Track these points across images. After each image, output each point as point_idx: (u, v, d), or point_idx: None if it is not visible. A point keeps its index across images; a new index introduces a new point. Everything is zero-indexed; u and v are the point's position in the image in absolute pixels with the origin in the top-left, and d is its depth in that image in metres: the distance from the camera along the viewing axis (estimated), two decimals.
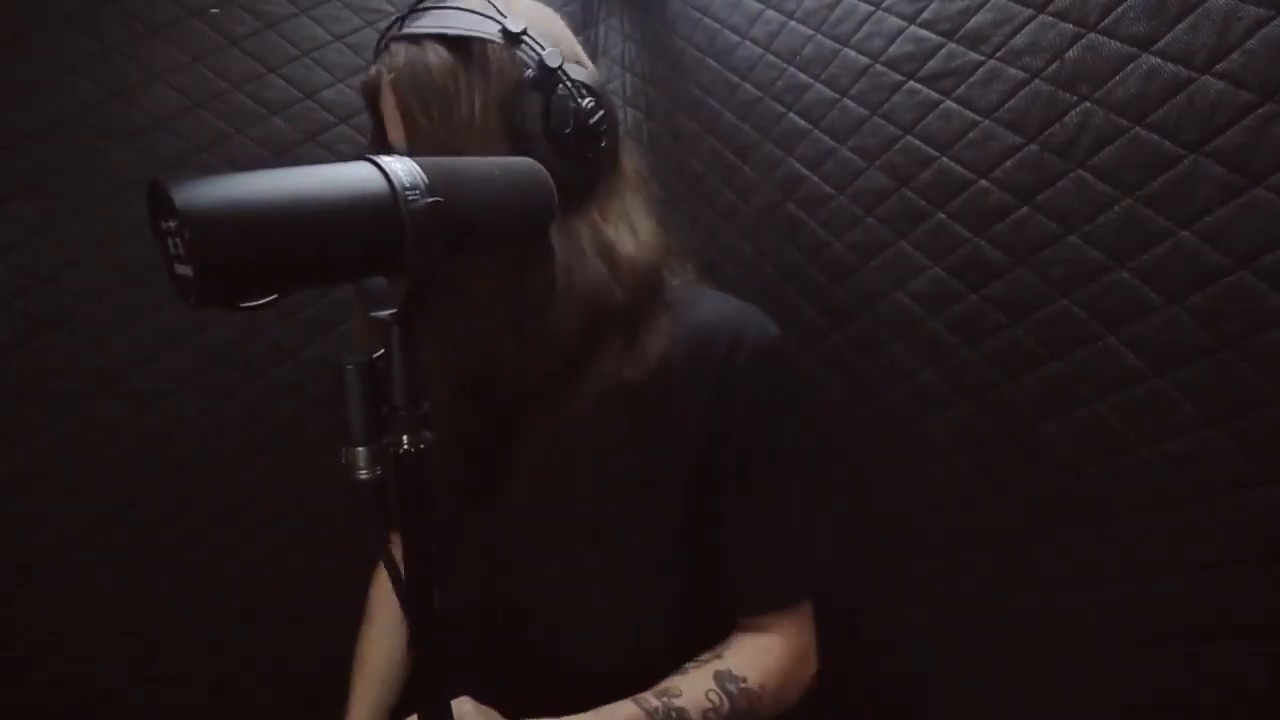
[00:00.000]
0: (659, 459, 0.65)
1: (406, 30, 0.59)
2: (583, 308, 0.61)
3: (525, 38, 0.58)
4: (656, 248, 0.66)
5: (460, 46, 0.57)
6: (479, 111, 0.57)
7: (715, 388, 0.64)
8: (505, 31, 0.58)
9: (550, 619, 0.69)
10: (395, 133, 0.60)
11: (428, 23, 0.59)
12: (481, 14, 0.59)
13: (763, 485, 0.66)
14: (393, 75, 0.58)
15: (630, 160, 0.69)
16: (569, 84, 0.59)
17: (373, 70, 0.61)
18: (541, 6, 0.66)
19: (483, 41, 0.58)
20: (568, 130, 0.58)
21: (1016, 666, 0.71)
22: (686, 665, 0.65)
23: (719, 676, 0.63)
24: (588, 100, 0.59)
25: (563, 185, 0.49)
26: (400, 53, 0.58)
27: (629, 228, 0.65)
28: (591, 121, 0.59)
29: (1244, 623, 0.55)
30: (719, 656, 0.66)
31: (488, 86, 0.57)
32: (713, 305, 0.68)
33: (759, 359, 0.65)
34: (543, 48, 0.58)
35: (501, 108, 0.57)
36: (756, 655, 0.66)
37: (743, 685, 0.63)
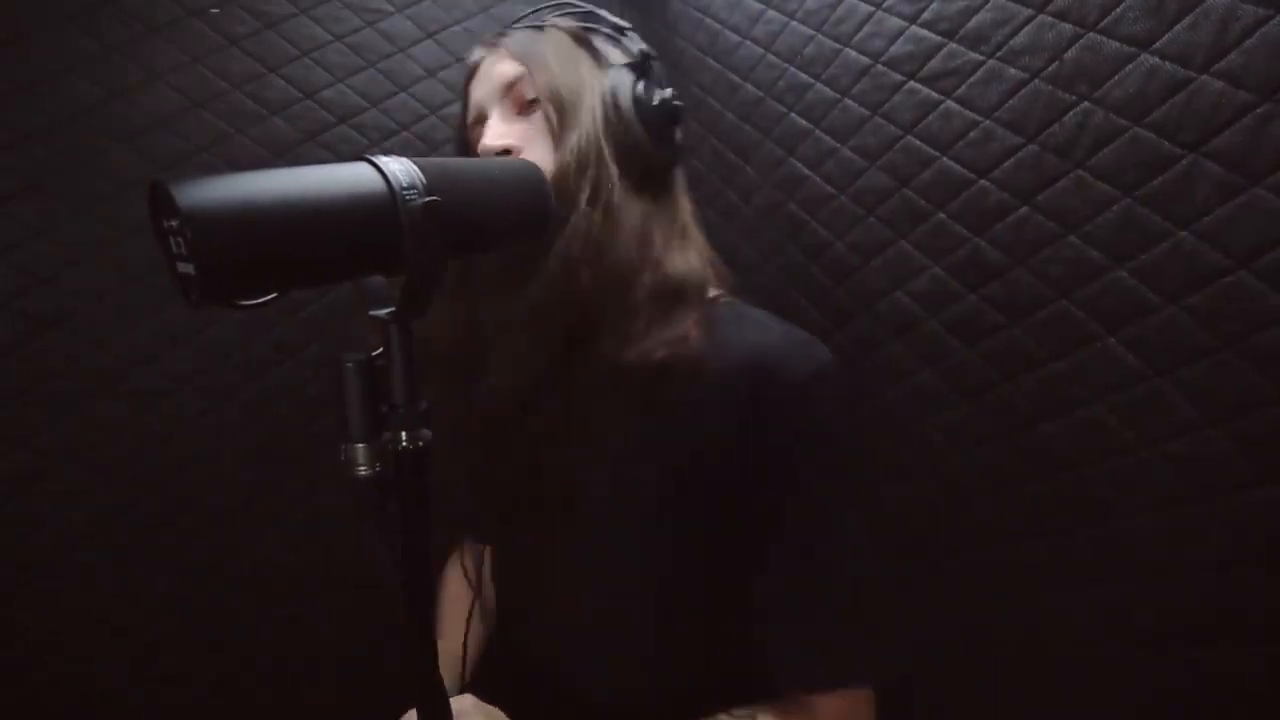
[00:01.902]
0: (678, 475, 0.60)
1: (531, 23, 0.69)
2: (608, 281, 0.60)
3: (628, 34, 0.68)
4: (701, 251, 0.67)
5: (581, 37, 0.67)
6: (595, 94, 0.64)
7: (742, 419, 0.59)
8: (615, 25, 0.69)
9: (553, 628, 0.67)
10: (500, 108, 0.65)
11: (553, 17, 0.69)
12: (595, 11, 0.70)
13: (802, 539, 0.59)
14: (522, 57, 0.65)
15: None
16: (656, 70, 0.66)
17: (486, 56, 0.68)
18: None
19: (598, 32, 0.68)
20: (653, 107, 0.63)
21: (1016, 666, 0.71)
22: (720, 716, 0.59)
23: None
24: (669, 89, 0.65)
25: (638, 160, 0.61)
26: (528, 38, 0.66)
27: (679, 226, 0.67)
28: (674, 103, 0.65)
29: (1244, 623, 0.55)
30: (752, 717, 0.58)
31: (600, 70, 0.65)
32: (758, 329, 0.64)
33: (794, 394, 0.59)
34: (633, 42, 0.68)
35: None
36: None
37: None
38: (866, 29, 0.78)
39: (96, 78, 0.85)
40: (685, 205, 0.69)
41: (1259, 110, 0.51)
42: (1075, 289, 0.62)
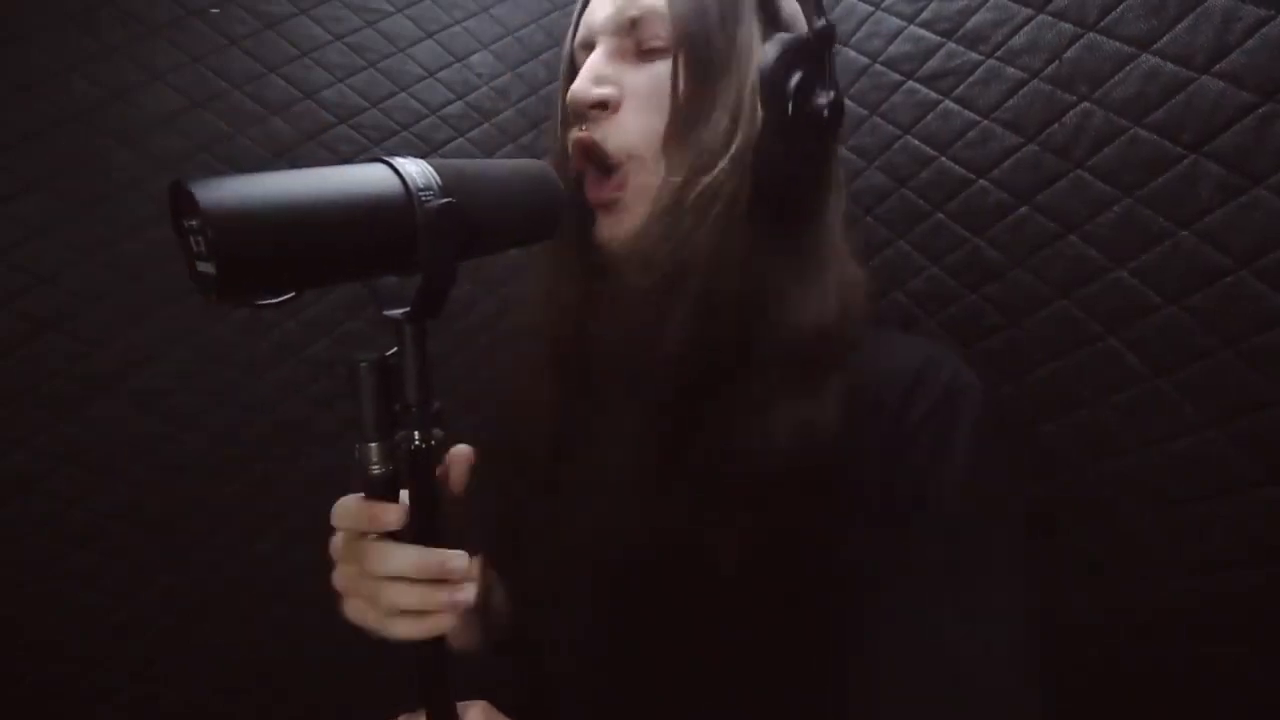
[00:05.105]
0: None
1: None
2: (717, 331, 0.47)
3: None
4: (842, 287, 0.50)
5: None
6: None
7: (881, 449, 0.46)
8: None
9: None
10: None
11: None
12: None
13: (920, 582, 0.44)
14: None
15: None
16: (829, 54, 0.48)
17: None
18: None
19: None
20: (812, 112, 0.46)
21: None
22: None
23: None
24: (832, 90, 0.48)
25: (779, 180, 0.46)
26: None
27: (817, 259, 0.50)
28: (838, 107, 0.47)
29: (1244, 623, 0.55)
30: None
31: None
32: (896, 350, 0.50)
33: (942, 408, 0.46)
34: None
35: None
36: None
37: None
38: (865, 28, 0.78)
39: (96, 78, 0.85)
40: (831, 229, 0.51)
41: (1260, 110, 0.51)
42: (1075, 289, 0.62)
